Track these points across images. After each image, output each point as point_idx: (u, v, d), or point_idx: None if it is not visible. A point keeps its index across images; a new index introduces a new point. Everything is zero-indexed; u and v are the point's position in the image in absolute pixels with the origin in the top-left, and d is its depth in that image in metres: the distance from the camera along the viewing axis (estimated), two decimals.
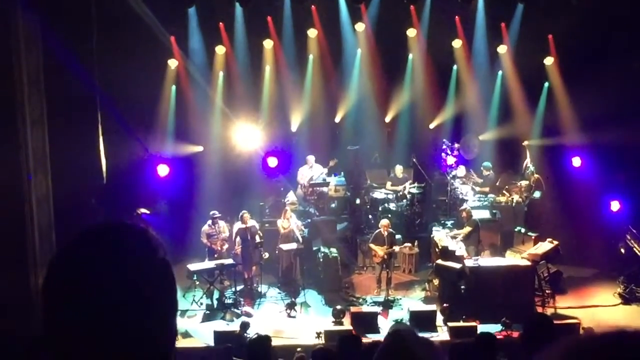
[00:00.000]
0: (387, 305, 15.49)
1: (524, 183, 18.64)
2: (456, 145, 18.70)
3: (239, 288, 15.98)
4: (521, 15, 18.92)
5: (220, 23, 18.84)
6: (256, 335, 10.26)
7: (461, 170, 18.83)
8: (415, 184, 18.82)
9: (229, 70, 19.38)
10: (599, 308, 15.47)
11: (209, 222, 16.43)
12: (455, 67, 20.15)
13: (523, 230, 17.68)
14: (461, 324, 13.92)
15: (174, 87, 19.05)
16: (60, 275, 1.70)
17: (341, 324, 14.29)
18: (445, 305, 14.56)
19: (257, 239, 16.03)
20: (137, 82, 16.88)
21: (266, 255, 16.45)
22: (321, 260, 16.61)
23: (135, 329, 1.68)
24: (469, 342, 9.16)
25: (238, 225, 16.21)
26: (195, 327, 14.40)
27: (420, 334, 3.26)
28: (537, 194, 18.29)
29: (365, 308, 15.19)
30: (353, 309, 14.86)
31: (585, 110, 17.81)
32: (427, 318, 14.22)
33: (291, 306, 15.19)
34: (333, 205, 18.80)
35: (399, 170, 19.46)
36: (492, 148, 19.98)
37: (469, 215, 16.44)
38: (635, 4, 17.29)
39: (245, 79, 19.29)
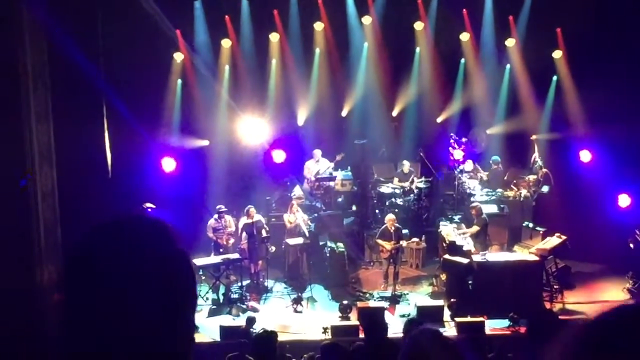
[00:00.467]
0: (395, 300, 15.43)
1: (532, 177, 18.54)
2: (464, 139, 18.57)
3: (245, 283, 15.92)
4: (529, 8, 18.85)
5: (227, 16, 18.79)
6: (262, 331, 10.20)
7: (469, 165, 18.71)
8: (423, 179, 18.73)
9: (235, 64, 19.31)
10: (607, 303, 15.29)
11: (215, 216, 16.37)
12: (462, 60, 20.06)
13: (531, 225, 17.55)
14: (469, 319, 13.84)
15: (179, 81, 18.99)
16: (79, 268, 1.69)
17: (348, 319, 14.23)
18: (452, 300, 14.49)
19: (264, 234, 15.96)
20: (143, 75, 16.85)
21: (273, 249, 16.38)
22: (328, 255, 16.55)
23: (153, 320, 1.66)
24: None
25: (244, 220, 16.14)
26: (201, 322, 14.35)
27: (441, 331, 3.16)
28: (545, 189, 18.19)
29: (372, 303, 15.13)
30: (360, 304, 14.81)
31: (594, 104, 17.71)
32: (434, 313, 14.13)
33: (297, 301, 15.14)
34: (340, 199, 18.72)
35: (406, 165, 19.33)
36: (500, 142, 19.86)
37: (478, 212, 16.26)
38: None
39: (251, 72, 19.22)
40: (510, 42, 19.45)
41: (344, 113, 20.23)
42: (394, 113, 20.39)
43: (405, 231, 16.81)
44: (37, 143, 13.61)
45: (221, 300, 15.48)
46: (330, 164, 18.78)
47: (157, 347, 1.67)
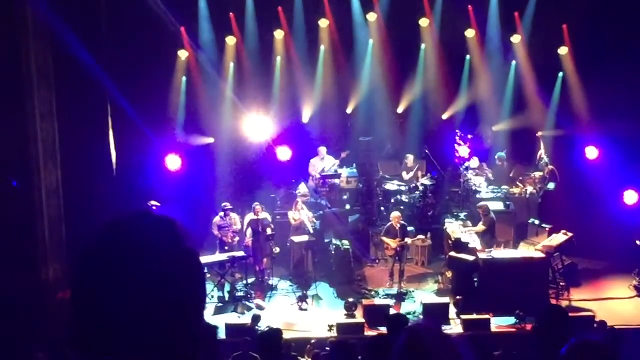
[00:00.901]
0: (400, 298, 15.38)
1: (537, 174, 18.46)
2: (469, 136, 18.51)
3: (250, 280, 15.90)
4: (535, 4, 18.75)
5: (231, 13, 18.75)
6: (267, 328, 10.17)
7: (474, 162, 18.64)
8: (428, 175, 18.67)
9: (239, 61, 19.26)
10: (613, 301, 15.32)
11: (221, 213, 16.33)
12: (468, 57, 19.94)
13: (537, 222, 17.49)
14: (474, 316, 13.79)
15: (184, 78, 18.96)
16: (88, 266, 1.69)
17: (353, 316, 14.20)
18: (458, 297, 14.46)
19: (269, 232, 15.93)
20: (147, 73, 16.82)
21: (277, 249, 16.35)
22: (333, 252, 16.52)
23: (161, 316, 1.65)
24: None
25: (250, 216, 16.11)
26: (206, 320, 14.32)
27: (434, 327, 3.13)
28: (551, 185, 18.11)
29: (377, 301, 15.07)
30: (365, 301, 14.76)
31: (600, 101, 17.67)
32: (440, 311, 14.10)
33: (303, 299, 15.11)
34: (345, 196, 18.66)
35: (410, 159, 19.26)
36: (506, 139, 19.77)
37: (484, 211, 16.19)
38: None
39: (255, 69, 19.17)
40: (515, 39, 19.35)
41: (348, 110, 20.15)
42: (399, 110, 20.30)
43: (410, 228, 16.75)
44: (41, 141, 13.63)
45: (226, 298, 15.45)
46: (336, 161, 18.72)
47: (166, 346, 1.66)
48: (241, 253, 15.91)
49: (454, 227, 16.41)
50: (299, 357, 10.88)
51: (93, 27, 15.19)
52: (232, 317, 14.40)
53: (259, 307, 14.92)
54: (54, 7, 13.72)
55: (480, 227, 16.13)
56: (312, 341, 12.25)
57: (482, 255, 14.91)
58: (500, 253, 15.48)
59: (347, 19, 19.34)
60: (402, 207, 17.68)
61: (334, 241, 16.74)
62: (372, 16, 19.23)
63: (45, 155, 13.83)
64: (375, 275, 16.98)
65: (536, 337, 6.28)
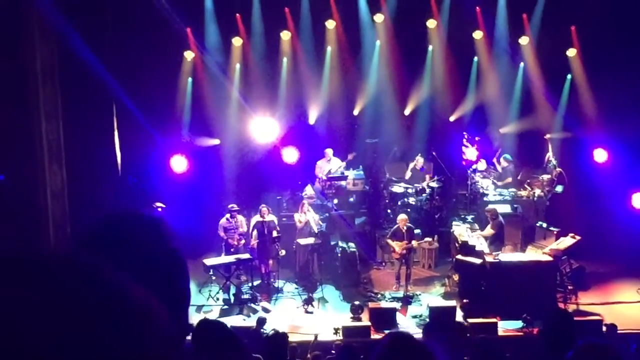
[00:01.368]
0: (406, 301, 15.27)
1: (545, 177, 18.34)
2: (477, 138, 18.41)
3: (255, 283, 15.83)
4: (543, 5, 18.65)
5: (237, 14, 18.69)
6: (273, 332, 10.08)
7: (482, 164, 18.53)
8: (435, 178, 18.58)
9: (245, 62, 19.21)
10: (622, 305, 15.19)
11: (227, 215, 16.25)
12: (475, 59, 19.86)
13: (545, 225, 17.35)
14: (481, 320, 13.68)
15: (190, 80, 18.91)
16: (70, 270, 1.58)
17: (359, 319, 14.08)
18: (465, 301, 14.36)
19: (275, 234, 15.85)
20: (153, 74, 16.77)
21: (283, 252, 16.27)
22: (339, 255, 16.42)
23: (142, 315, 1.55)
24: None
25: (256, 218, 16.04)
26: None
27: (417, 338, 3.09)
28: (559, 188, 18.00)
29: (383, 304, 14.99)
30: (371, 304, 14.66)
31: (609, 103, 17.56)
32: (446, 314, 13.97)
33: (308, 302, 15.03)
34: (351, 199, 18.57)
35: (419, 161, 19.13)
36: (514, 141, 19.67)
37: (493, 215, 16.05)
38: None
39: (262, 71, 19.12)
40: (523, 40, 19.26)
41: (355, 112, 20.08)
42: (406, 112, 20.22)
43: (417, 231, 16.65)
44: (46, 142, 13.58)
45: (232, 301, 15.38)
46: (342, 163, 18.65)
47: (146, 346, 1.57)
48: (247, 255, 15.83)
49: (461, 230, 16.32)
50: None
51: (99, 27, 15.15)
52: (238, 320, 14.32)
53: (265, 310, 14.84)
54: (59, 7, 13.67)
55: (489, 230, 16.01)
56: (314, 343, 12.17)
57: (489, 259, 14.79)
58: (508, 256, 15.37)
59: (354, 20, 19.27)
60: (409, 210, 17.61)
61: (340, 244, 16.65)
62: (379, 17, 19.16)
63: (51, 156, 13.79)
64: (382, 278, 16.88)
65: (542, 342, 6.21)
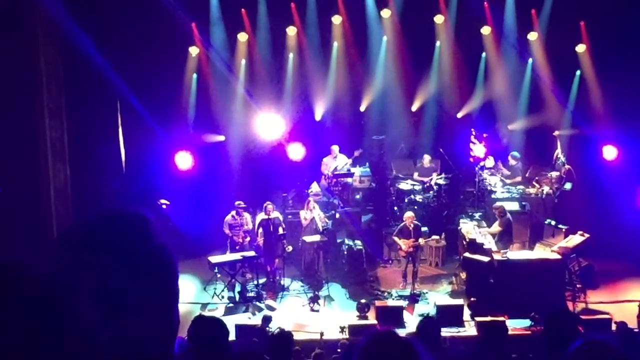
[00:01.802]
0: (413, 299, 15.17)
1: (554, 174, 18.19)
2: (484, 134, 18.26)
3: (261, 281, 15.73)
4: (552, 1, 18.51)
5: (243, 9, 18.61)
6: (278, 331, 9.97)
7: (490, 161, 18.38)
8: (443, 175, 18.45)
9: (251, 58, 19.13)
10: (631, 303, 15.02)
11: (233, 212, 16.15)
12: (483, 54, 19.72)
13: (553, 222, 17.21)
14: (489, 318, 13.53)
15: (195, 75, 18.82)
16: (57, 266, 1.69)
17: (366, 318, 14.00)
18: (472, 299, 14.24)
19: (280, 231, 15.75)
20: (157, 70, 16.69)
21: (290, 248, 16.15)
22: (345, 252, 16.32)
23: (131, 314, 1.67)
24: None
25: (261, 216, 15.95)
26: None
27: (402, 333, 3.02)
28: (568, 186, 17.85)
29: (390, 302, 14.86)
30: (378, 303, 14.55)
31: (618, 99, 17.44)
32: (454, 312, 13.90)
33: (314, 300, 14.93)
34: (358, 196, 18.46)
35: (427, 159, 19.08)
36: (522, 138, 19.55)
37: (501, 213, 15.90)
38: None
39: (268, 67, 19.05)
40: (532, 36, 19.14)
41: (362, 108, 19.99)
42: (414, 108, 20.13)
43: (424, 229, 16.55)
44: (49, 139, 13.51)
45: (237, 299, 15.30)
46: (348, 160, 18.53)
47: (135, 343, 1.67)
48: (252, 253, 15.74)
49: (468, 228, 16.19)
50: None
51: (102, 24, 15.08)
52: (243, 318, 14.22)
53: (270, 308, 14.75)
54: (63, 5, 13.59)
55: (496, 228, 15.88)
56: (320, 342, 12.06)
57: (497, 257, 14.67)
58: (516, 254, 15.25)
59: (361, 16, 19.19)
60: (415, 207, 17.52)
61: (346, 241, 16.55)
62: (386, 13, 19.05)
63: (54, 153, 13.73)
64: (388, 276, 16.77)
65: (543, 341, 6.11)
